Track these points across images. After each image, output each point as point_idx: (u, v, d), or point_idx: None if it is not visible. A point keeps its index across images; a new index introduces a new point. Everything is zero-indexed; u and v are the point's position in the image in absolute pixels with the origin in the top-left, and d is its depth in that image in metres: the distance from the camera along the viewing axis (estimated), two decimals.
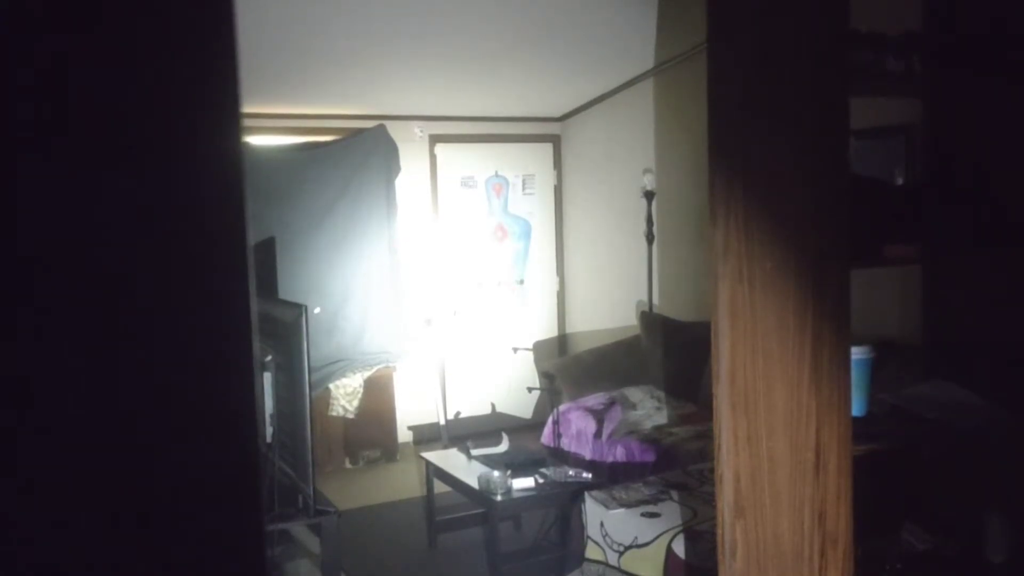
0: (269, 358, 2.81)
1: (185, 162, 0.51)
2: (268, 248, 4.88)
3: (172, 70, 0.50)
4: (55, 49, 0.47)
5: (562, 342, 6.10)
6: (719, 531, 1.85)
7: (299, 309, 2.69)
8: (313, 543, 2.87)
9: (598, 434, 4.09)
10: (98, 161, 0.49)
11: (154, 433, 0.51)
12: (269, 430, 2.83)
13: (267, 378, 2.82)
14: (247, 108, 4.00)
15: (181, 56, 0.50)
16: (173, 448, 0.52)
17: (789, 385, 1.68)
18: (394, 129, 5.39)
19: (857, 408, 1.71)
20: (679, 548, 2.60)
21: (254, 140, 5.09)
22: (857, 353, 1.70)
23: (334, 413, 5.08)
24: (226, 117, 0.51)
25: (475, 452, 3.79)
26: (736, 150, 1.77)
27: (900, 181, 2.56)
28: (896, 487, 2.17)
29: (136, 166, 0.50)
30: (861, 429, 1.68)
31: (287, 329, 2.71)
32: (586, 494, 3.04)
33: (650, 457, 3.77)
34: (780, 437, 1.70)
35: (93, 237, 0.49)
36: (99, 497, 0.50)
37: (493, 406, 5.82)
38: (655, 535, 2.68)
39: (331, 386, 5.08)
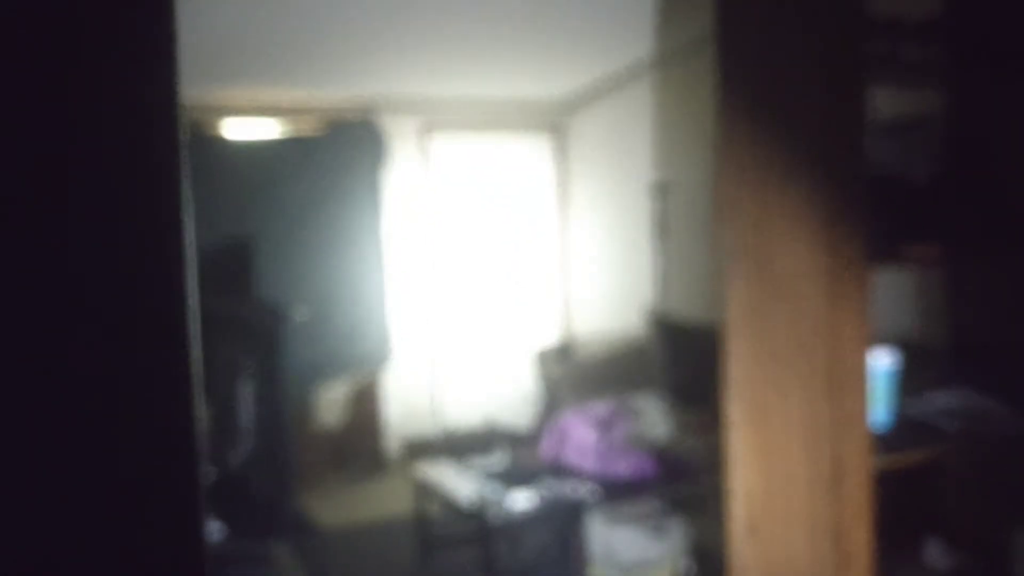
0: (247, 364, 2.82)
1: (113, 146, 0.51)
2: (248, 248, 4.89)
3: (96, 48, 0.50)
4: None
5: (563, 346, 6.11)
6: (730, 550, 1.87)
7: (279, 312, 2.70)
8: (295, 565, 2.87)
9: (602, 445, 4.10)
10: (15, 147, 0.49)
11: (74, 446, 0.51)
12: (248, 443, 2.84)
13: (244, 387, 2.82)
14: (225, 91, 3.97)
15: (107, 33, 0.50)
16: (97, 459, 0.52)
17: (804, 394, 1.69)
18: (384, 117, 5.40)
19: (877, 419, 1.72)
20: (688, 568, 2.61)
21: (232, 124, 5.10)
22: (878, 360, 1.71)
23: (318, 424, 5.09)
24: (160, 96, 0.51)
25: (469, 465, 3.80)
26: (745, 145, 1.79)
27: (921, 177, 2.57)
28: (918, 502, 2.18)
29: (58, 152, 0.50)
30: (881, 441, 1.70)
31: (266, 333, 2.72)
32: (589, 510, 3.05)
33: (657, 470, 3.79)
34: (795, 450, 1.71)
35: (12, 235, 0.49)
36: (21, 509, 0.50)
37: (489, 415, 5.82)
38: (662, 554, 2.70)
39: (314, 395, 5.09)
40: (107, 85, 0.51)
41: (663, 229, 4.93)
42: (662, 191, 4.88)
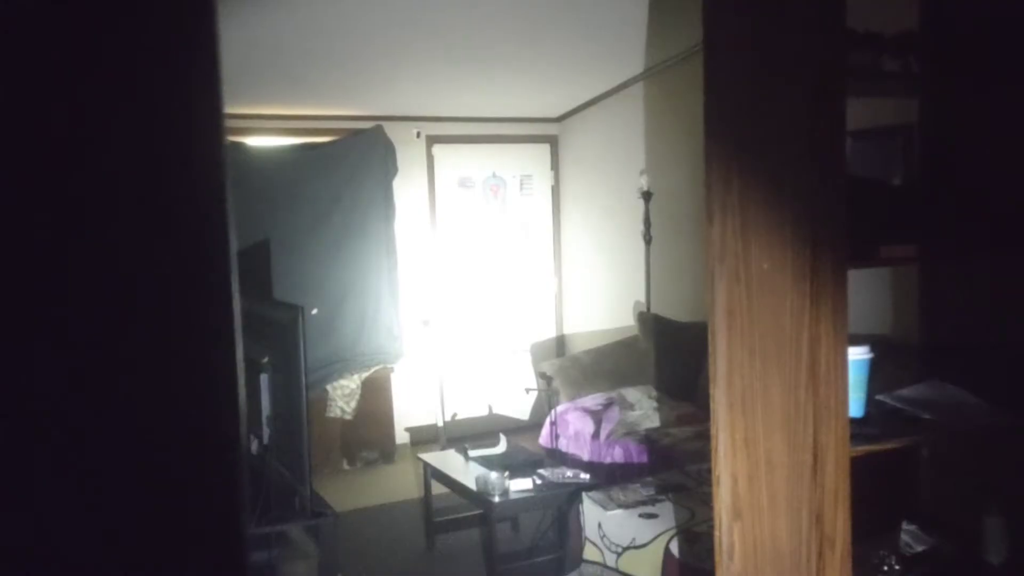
0: (266, 359, 2.81)
1: (166, 165, 0.50)
2: (264, 249, 4.88)
3: (150, 71, 0.49)
4: (27, 52, 0.46)
5: (560, 343, 6.10)
6: (717, 532, 1.85)
7: (295, 310, 2.68)
8: (310, 545, 2.86)
9: (596, 435, 4.09)
10: (76, 162, 0.48)
11: (134, 436, 0.50)
12: (266, 432, 2.82)
13: (264, 380, 2.81)
14: (242, 109, 3.97)
15: (159, 57, 0.49)
16: (153, 448, 0.51)
17: (786, 386, 1.67)
18: (391, 130, 5.39)
19: (855, 409, 1.70)
20: (677, 549, 2.59)
21: (250, 141, 5.08)
22: (855, 353, 1.69)
23: (331, 415, 5.07)
24: (207, 118, 0.50)
25: (473, 453, 3.79)
26: (732, 151, 1.77)
27: (898, 182, 2.55)
28: (894, 488, 2.16)
29: (113, 170, 0.49)
30: (859, 430, 1.68)
31: (283, 330, 2.70)
32: (584, 495, 3.03)
33: (648, 458, 3.77)
34: (777, 438, 1.70)
35: (71, 238, 0.48)
36: (80, 497, 0.49)
37: (491, 407, 5.81)
38: (653, 536, 2.68)
39: (328, 387, 5.07)
40: (159, 101, 0.50)
41: (652, 232, 4.91)
42: (650, 196, 4.86)
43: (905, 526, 2.03)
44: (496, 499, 3.24)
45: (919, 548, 1.98)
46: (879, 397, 1.84)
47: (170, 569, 0.53)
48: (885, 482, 2.03)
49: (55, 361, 0.49)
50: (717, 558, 1.85)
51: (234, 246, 0.53)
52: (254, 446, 2.96)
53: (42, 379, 0.48)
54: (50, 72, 0.48)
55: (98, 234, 0.49)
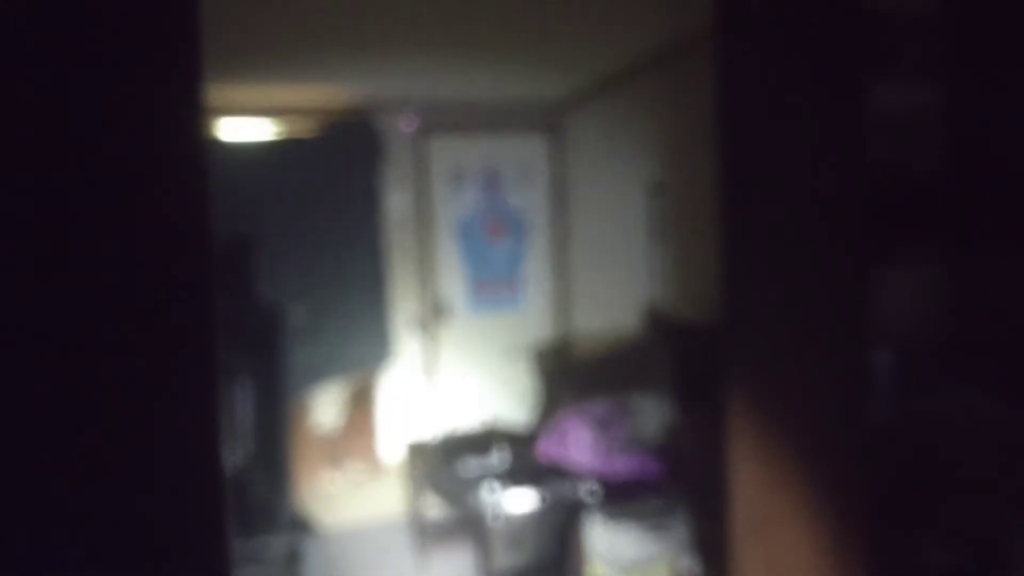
0: (244, 365, 2.81)
1: (141, 157, 0.51)
2: (246, 248, 4.87)
3: (131, 63, 0.50)
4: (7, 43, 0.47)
5: (562, 345, 6.10)
6: (731, 547, 1.85)
7: (277, 313, 2.69)
8: (293, 564, 2.86)
9: (601, 444, 4.09)
10: (54, 157, 0.48)
11: (109, 438, 0.51)
12: (244, 444, 2.82)
13: (241, 389, 2.81)
14: (218, 90, 3.92)
15: (139, 45, 0.50)
16: (123, 452, 0.51)
17: (805, 392, 1.68)
18: (380, 120, 5.38)
19: (877, 416, 1.71)
20: (686, 566, 2.60)
21: (227, 127, 5.08)
22: (878, 358, 1.70)
23: (316, 424, 5.07)
24: (186, 109, 0.51)
25: (468, 464, 3.79)
26: (746, 144, 1.78)
27: (922, 174, 2.56)
28: (918, 498, 2.17)
29: (92, 161, 0.49)
30: (882, 437, 1.68)
31: (265, 335, 2.71)
32: (588, 509, 3.04)
33: (657, 469, 3.78)
34: (796, 448, 1.70)
35: (51, 236, 0.48)
36: (49, 504, 0.50)
37: (487, 415, 5.81)
38: (662, 552, 2.69)
39: (312, 396, 5.07)
40: (136, 88, 0.50)
41: (660, 228, 4.92)
42: (659, 190, 4.87)
43: (929, 538, 2.04)
44: (493, 514, 3.24)
45: (944, 562, 1.99)
46: (902, 402, 1.85)
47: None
48: (908, 491, 2.03)
49: (26, 366, 0.49)
50: (731, 574, 1.86)
51: (214, 246, 0.54)
52: (232, 459, 2.96)
53: (18, 384, 0.49)
54: (31, 67, 0.48)
55: (68, 224, 0.49)
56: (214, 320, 0.54)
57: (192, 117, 0.52)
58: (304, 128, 5.28)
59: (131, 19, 0.50)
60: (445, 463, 3.97)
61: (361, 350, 5.28)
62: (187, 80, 0.51)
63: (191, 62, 0.51)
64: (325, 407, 5.10)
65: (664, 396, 4.46)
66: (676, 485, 3.33)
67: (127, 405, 0.52)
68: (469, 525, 3.76)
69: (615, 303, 5.50)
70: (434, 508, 3.83)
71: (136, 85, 0.51)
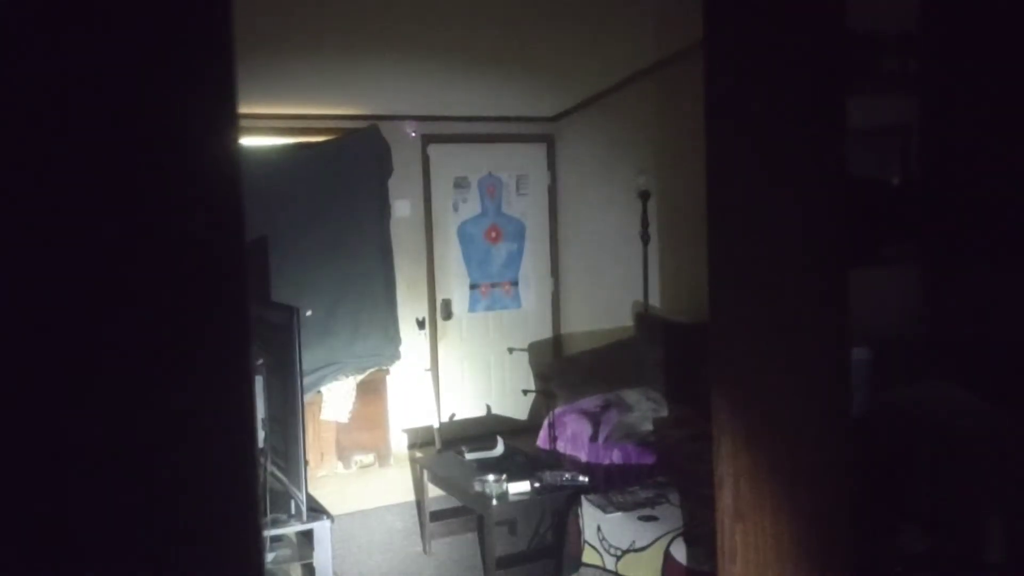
0: (260, 361, 2.81)
1: (179, 166, 0.51)
2: (260, 249, 4.88)
3: (166, 70, 0.50)
4: (46, 49, 0.47)
5: (557, 344, 6.11)
6: (718, 535, 1.86)
7: (291, 312, 2.69)
8: (306, 549, 2.86)
9: (594, 437, 4.10)
10: (94, 164, 0.49)
11: (151, 439, 0.51)
12: (261, 435, 2.83)
13: (258, 382, 2.82)
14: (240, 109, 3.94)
15: (175, 56, 0.50)
16: (170, 451, 0.52)
17: (787, 387, 1.69)
18: (386, 129, 5.39)
19: (856, 409, 1.72)
20: (677, 552, 2.61)
21: (244, 141, 5.08)
22: (856, 354, 1.71)
23: (326, 417, 5.08)
24: (222, 120, 0.51)
25: (469, 455, 3.80)
26: (731, 152, 1.79)
27: (897, 181, 2.57)
28: (895, 489, 2.18)
29: (130, 169, 0.50)
30: (860, 430, 1.69)
31: (278, 332, 2.71)
32: (582, 498, 3.04)
33: (647, 460, 3.78)
34: (779, 439, 1.71)
35: (86, 242, 0.49)
36: (97, 496, 0.50)
37: (488, 409, 5.82)
38: (653, 539, 2.69)
39: (323, 389, 5.07)
40: (173, 105, 0.51)
41: (650, 232, 4.93)
42: (647, 195, 4.88)
43: (906, 526, 2.05)
44: (493, 502, 3.25)
45: (920, 548, 2.00)
46: (881, 397, 1.86)
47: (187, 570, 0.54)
48: (886, 483, 2.04)
49: (58, 369, 0.49)
50: (718, 561, 1.87)
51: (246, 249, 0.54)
52: None
53: (48, 385, 0.49)
54: (65, 77, 0.49)
55: (107, 230, 0.50)
56: (250, 320, 0.54)
57: (227, 127, 0.52)
58: (316, 135, 5.29)
59: (166, 29, 0.51)
60: (447, 453, 3.98)
61: (370, 347, 5.29)
62: (222, 91, 0.52)
63: (225, 74, 0.52)
64: (336, 400, 5.10)
65: (654, 390, 4.47)
66: (666, 475, 3.34)
67: (172, 406, 0.53)
68: (471, 512, 3.77)
69: (607, 303, 5.51)
70: (438, 496, 3.84)
71: (175, 94, 0.51)
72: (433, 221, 5.69)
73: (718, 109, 1.82)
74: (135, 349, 0.51)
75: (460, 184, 5.79)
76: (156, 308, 0.52)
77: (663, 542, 2.66)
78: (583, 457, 4.11)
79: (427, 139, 5.62)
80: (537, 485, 3.34)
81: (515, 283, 6.00)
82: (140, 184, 0.51)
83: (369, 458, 5.23)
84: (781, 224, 1.69)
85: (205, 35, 0.51)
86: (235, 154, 0.53)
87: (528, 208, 6.01)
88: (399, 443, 5.53)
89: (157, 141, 0.51)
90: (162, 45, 0.51)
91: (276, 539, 2.85)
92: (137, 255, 0.51)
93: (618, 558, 2.79)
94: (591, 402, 4.42)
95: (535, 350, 5.97)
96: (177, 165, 0.52)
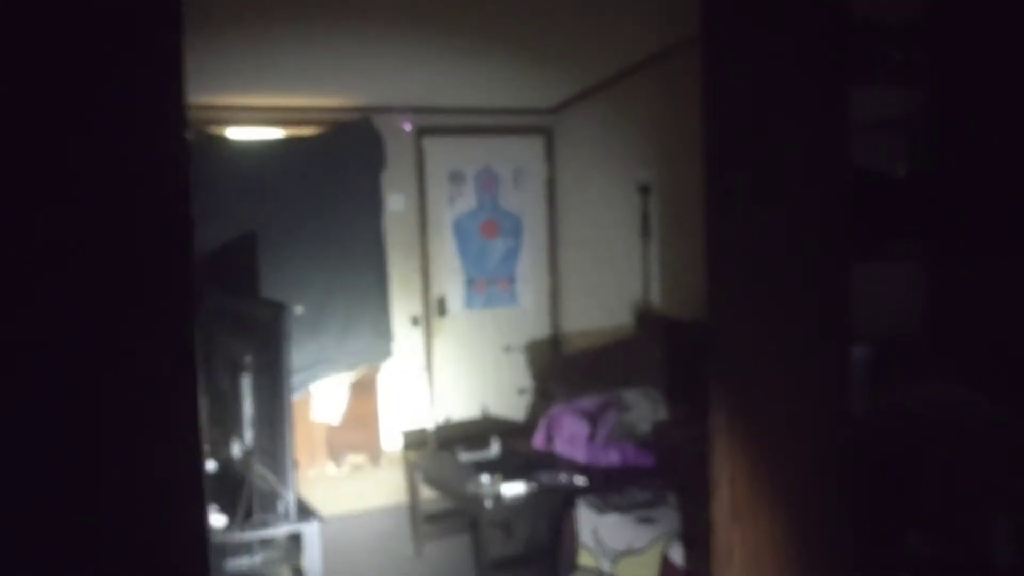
0: (248, 359, 2.80)
1: (121, 165, 0.50)
2: (248, 245, 4.86)
3: (113, 72, 0.49)
4: None
5: (555, 342, 6.10)
6: (716, 536, 1.85)
7: (279, 308, 2.67)
8: (295, 552, 2.85)
9: (592, 437, 4.09)
10: (27, 164, 0.47)
11: (92, 443, 0.50)
12: (249, 434, 2.81)
13: (246, 380, 2.80)
14: (224, 100, 3.93)
15: (117, 51, 0.49)
16: (113, 460, 0.51)
17: (788, 386, 1.68)
18: (379, 121, 5.37)
19: (858, 409, 1.71)
20: (675, 554, 2.60)
21: (233, 132, 5.06)
22: (859, 352, 1.70)
23: (316, 416, 5.06)
24: (167, 119, 0.50)
25: (464, 456, 3.78)
26: (732, 144, 1.77)
27: (902, 174, 2.56)
28: (899, 490, 2.17)
29: (68, 169, 0.48)
30: (863, 430, 1.68)
31: (267, 329, 2.69)
32: (579, 499, 3.03)
33: (645, 460, 3.77)
34: (779, 440, 1.70)
35: (21, 249, 0.47)
36: (45, 499, 0.49)
37: (483, 408, 5.81)
38: (650, 541, 2.68)
39: (313, 388, 5.06)
40: (118, 90, 0.49)
41: (650, 228, 4.91)
42: (648, 190, 4.87)
43: (911, 530, 2.04)
44: (487, 503, 3.23)
45: (926, 552, 1.99)
46: (884, 396, 1.85)
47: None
48: (890, 484, 2.03)
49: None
50: (716, 563, 1.86)
51: (193, 234, 0.53)
52: (236, 449, 2.95)
53: None
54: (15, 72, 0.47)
55: (50, 220, 0.48)
56: (194, 318, 0.53)
57: (174, 119, 0.51)
58: (307, 126, 5.27)
59: (123, 33, 0.49)
60: (441, 454, 3.97)
61: (361, 344, 5.27)
62: (168, 83, 0.50)
63: (173, 70, 0.50)
64: (327, 399, 5.09)
65: (653, 389, 4.46)
66: (665, 476, 3.33)
67: (114, 402, 0.51)
68: (464, 514, 3.76)
69: (606, 300, 5.50)
70: (431, 497, 3.83)
71: (119, 88, 0.50)
72: (428, 216, 5.66)
73: (717, 100, 1.80)
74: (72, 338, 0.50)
75: (455, 178, 5.77)
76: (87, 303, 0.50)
77: (661, 544, 2.65)
78: (580, 458, 4.10)
79: (422, 131, 5.60)
80: (532, 486, 3.33)
81: (512, 279, 5.98)
82: (73, 172, 0.49)
83: (361, 458, 5.22)
84: (782, 220, 1.67)
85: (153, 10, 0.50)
86: (181, 139, 0.52)
87: (525, 203, 5.99)
88: (392, 443, 5.52)
89: (94, 128, 0.50)
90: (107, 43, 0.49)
91: (265, 541, 2.84)
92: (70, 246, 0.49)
93: (614, 561, 2.78)
94: (589, 401, 4.41)
95: (532, 348, 5.96)
96: (117, 152, 0.50)
